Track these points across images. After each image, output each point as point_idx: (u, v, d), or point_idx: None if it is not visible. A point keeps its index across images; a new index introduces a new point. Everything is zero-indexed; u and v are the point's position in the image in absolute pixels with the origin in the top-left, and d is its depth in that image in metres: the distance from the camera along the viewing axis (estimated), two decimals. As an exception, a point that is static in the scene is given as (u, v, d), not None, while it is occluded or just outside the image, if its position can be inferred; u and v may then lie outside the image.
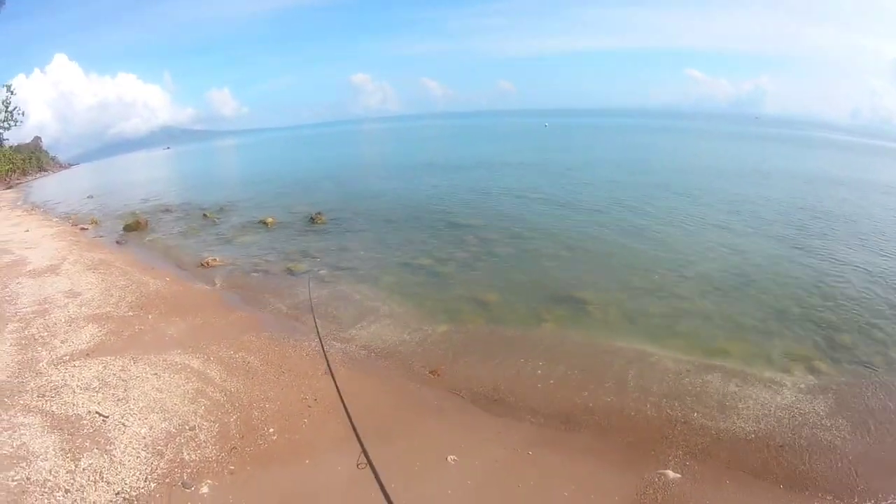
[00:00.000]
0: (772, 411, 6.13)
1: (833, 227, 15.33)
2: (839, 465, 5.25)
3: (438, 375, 6.96)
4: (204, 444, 5.41)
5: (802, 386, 6.73)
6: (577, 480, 4.97)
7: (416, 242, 14.00)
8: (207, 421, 5.83)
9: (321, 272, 11.80)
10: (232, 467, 5.09)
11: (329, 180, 28.54)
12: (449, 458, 5.21)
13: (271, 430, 5.73)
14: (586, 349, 7.65)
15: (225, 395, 6.41)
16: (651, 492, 4.85)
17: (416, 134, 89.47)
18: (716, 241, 13.60)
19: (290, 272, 11.87)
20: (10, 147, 51.99)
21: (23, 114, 46.98)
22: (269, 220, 17.65)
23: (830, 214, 17.12)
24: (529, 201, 19.18)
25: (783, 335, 8.18)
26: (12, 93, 45.49)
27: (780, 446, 5.48)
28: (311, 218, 17.38)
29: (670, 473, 5.07)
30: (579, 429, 5.87)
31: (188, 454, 5.23)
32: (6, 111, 44.46)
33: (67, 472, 4.79)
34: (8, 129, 45.85)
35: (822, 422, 5.96)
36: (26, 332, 8.17)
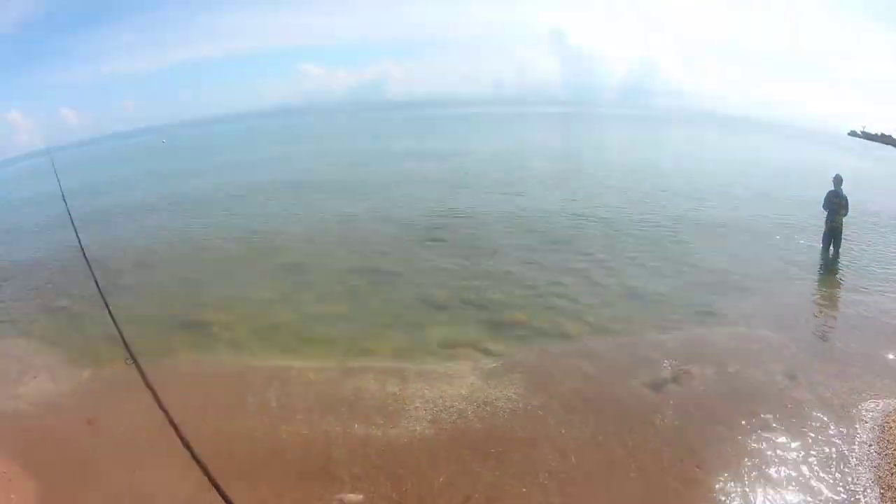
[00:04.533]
0: (449, 404, 5.42)
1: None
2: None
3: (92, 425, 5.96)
4: None
5: (478, 372, 5.98)
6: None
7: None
8: None
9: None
10: None
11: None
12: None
13: None
14: (218, 378, 6.40)
15: None
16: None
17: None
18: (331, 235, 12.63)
19: None
20: None
21: None
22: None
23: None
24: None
25: (437, 323, 7.26)
26: None
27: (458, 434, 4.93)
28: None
29: (351, 497, 4.36)
30: (227, 469, 4.82)
31: None
32: None
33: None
34: None
35: (513, 405, 5.44)
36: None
